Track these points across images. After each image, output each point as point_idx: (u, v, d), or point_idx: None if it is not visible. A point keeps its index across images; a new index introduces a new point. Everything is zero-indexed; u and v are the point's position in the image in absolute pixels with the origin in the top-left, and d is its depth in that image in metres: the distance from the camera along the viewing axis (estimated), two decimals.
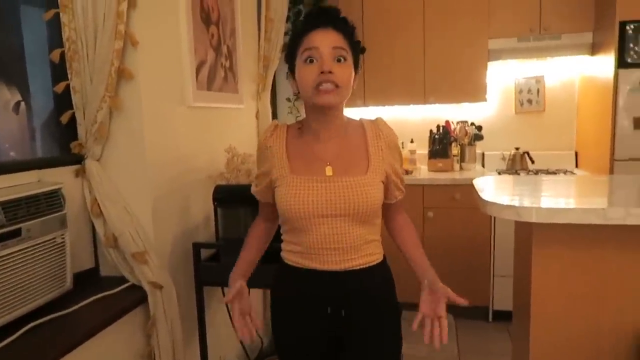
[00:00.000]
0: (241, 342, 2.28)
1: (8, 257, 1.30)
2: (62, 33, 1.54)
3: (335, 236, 1.31)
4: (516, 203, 1.39)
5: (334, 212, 1.29)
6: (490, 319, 3.35)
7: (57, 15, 1.56)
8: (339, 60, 1.25)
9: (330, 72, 1.22)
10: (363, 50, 1.37)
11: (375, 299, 1.39)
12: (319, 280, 1.34)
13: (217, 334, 2.15)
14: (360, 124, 1.41)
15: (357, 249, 1.34)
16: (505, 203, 1.39)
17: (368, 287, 1.37)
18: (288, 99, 3.42)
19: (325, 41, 1.24)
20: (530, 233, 1.57)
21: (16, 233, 1.32)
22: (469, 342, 3.10)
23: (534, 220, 1.37)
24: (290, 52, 1.33)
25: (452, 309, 3.31)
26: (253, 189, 1.47)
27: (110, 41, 1.56)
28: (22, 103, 1.65)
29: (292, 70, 1.35)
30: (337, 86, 1.24)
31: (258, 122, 2.79)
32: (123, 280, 1.74)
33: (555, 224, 1.44)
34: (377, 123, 1.41)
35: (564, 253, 1.55)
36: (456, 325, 3.30)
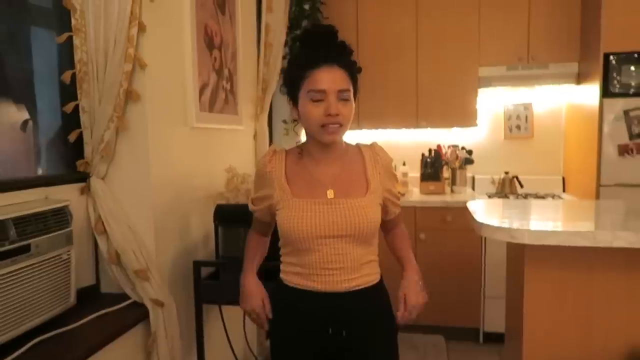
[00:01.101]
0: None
1: (17, 272, 1.33)
2: (74, 55, 1.60)
3: (337, 256, 1.36)
4: (509, 225, 1.46)
5: (336, 233, 1.35)
6: (481, 341, 3.39)
7: (69, 38, 1.62)
8: (343, 99, 1.33)
9: (337, 115, 1.30)
10: (359, 70, 1.42)
11: (374, 319, 1.43)
12: (319, 301, 1.39)
13: (213, 352, 2.16)
14: (358, 149, 1.49)
15: (357, 269, 1.39)
16: (498, 225, 1.46)
17: (367, 308, 1.42)
18: (284, 121, 3.49)
19: (332, 84, 1.31)
20: (522, 254, 1.63)
21: (25, 249, 1.35)
22: None
23: (526, 241, 1.44)
24: (293, 83, 1.37)
25: (443, 330, 3.38)
26: (252, 207, 1.52)
27: (120, 64, 1.62)
28: (30, 122, 1.70)
29: (292, 98, 1.41)
30: (341, 125, 1.33)
31: (256, 143, 2.85)
32: (123, 297, 1.76)
33: (546, 246, 1.50)
34: (374, 148, 1.49)
35: (554, 274, 1.61)
36: (447, 346, 3.34)
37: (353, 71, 1.39)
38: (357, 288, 1.39)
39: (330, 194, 1.38)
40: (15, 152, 1.67)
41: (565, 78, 3.43)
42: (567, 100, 3.67)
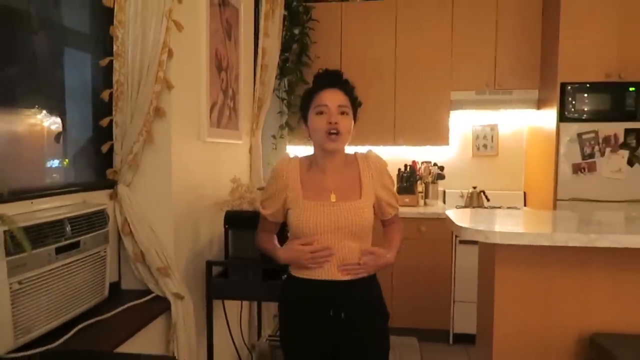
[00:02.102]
0: (237, 352, 2.50)
1: (70, 264, 1.53)
2: (113, 76, 1.82)
3: (337, 249, 1.66)
4: (484, 227, 1.76)
5: (337, 230, 1.65)
6: (451, 342, 3.69)
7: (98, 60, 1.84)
8: (342, 113, 1.67)
9: (336, 123, 1.63)
10: (360, 104, 1.78)
11: (368, 305, 1.72)
12: (322, 288, 1.66)
13: (216, 341, 2.36)
14: (355, 157, 1.79)
15: (353, 261, 1.66)
16: (476, 228, 1.75)
17: (362, 295, 1.70)
18: (273, 136, 3.75)
19: (333, 100, 1.66)
20: (493, 255, 1.93)
21: (76, 245, 1.56)
22: None
23: (498, 241, 1.74)
24: (305, 105, 1.73)
25: (416, 332, 3.67)
26: (264, 212, 1.78)
27: (151, 85, 1.85)
28: (65, 133, 1.89)
29: (304, 118, 1.75)
30: (339, 133, 1.64)
31: (251, 156, 3.09)
32: (142, 293, 1.95)
33: (514, 246, 1.81)
34: (368, 155, 1.80)
35: (520, 271, 1.92)
36: (420, 347, 3.62)
37: (353, 98, 1.73)
38: (354, 277, 1.67)
39: (333, 197, 1.69)
40: (55, 160, 1.87)
41: (526, 103, 3.84)
42: (528, 123, 4.08)
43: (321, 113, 1.66)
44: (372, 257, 1.67)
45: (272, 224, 1.82)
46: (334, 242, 1.65)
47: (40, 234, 1.40)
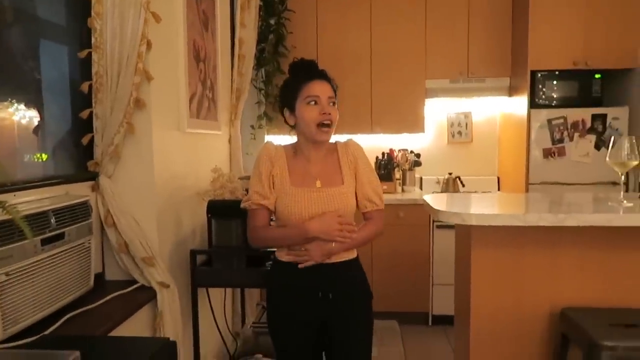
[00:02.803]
0: (223, 340, 2.55)
1: (55, 256, 1.54)
2: (92, 68, 1.82)
3: None
4: (460, 210, 1.83)
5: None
6: (430, 323, 3.80)
7: (78, 51, 1.84)
8: (332, 104, 1.71)
9: (329, 114, 1.68)
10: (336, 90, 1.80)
11: (354, 286, 1.79)
12: (309, 271, 1.71)
13: (201, 328, 2.40)
14: (335, 146, 1.83)
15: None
16: (452, 211, 1.83)
17: (348, 277, 1.77)
18: (252, 126, 3.77)
19: (323, 92, 1.71)
20: (469, 236, 2.01)
21: (61, 236, 1.57)
22: (413, 343, 3.52)
23: (473, 223, 1.81)
24: (291, 95, 1.75)
25: (397, 315, 3.76)
26: (265, 202, 1.73)
27: (131, 76, 1.85)
28: (43, 125, 1.89)
29: (289, 107, 1.76)
30: (331, 124, 1.70)
31: (230, 146, 3.11)
32: (127, 283, 1.97)
33: (488, 227, 1.89)
34: (346, 143, 1.84)
35: (495, 251, 2.00)
36: (401, 329, 3.72)
37: (335, 89, 1.78)
38: (339, 260, 1.74)
39: (318, 184, 1.74)
40: (33, 153, 1.86)
41: (499, 91, 3.94)
42: (501, 110, 4.19)
43: (313, 103, 1.69)
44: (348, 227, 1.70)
45: (267, 214, 1.77)
46: None
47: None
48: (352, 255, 1.80)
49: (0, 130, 1.72)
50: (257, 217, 1.76)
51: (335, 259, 1.73)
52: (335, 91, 1.76)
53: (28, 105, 1.81)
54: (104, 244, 2.01)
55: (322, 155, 1.78)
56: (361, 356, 1.79)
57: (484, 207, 2.16)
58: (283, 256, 1.77)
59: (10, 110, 1.76)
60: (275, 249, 1.82)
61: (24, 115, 1.81)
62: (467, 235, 2.05)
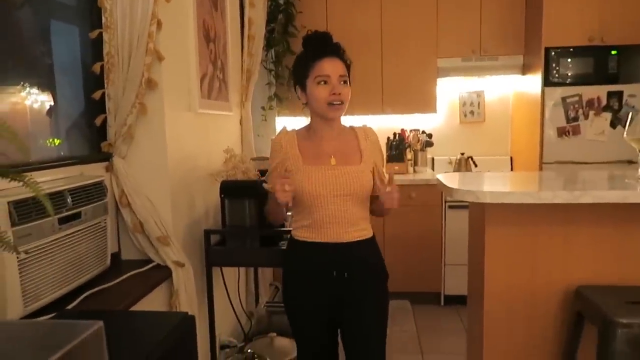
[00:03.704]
0: (238, 320, 2.58)
1: (72, 235, 1.56)
2: (103, 49, 1.82)
3: (339, 212, 1.70)
4: (474, 188, 1.82)
5: (338, 193, 1.69)
6: (442, 303, 3.81)
7: (88, 32, 1.84)
8: (343, 83, 1.69)
9: (339, 94, 1.66)
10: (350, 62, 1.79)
11: (369, 265, 1.78)
12: (325, 250, 1.72)
13: (216, 306, 2.43)
14: (352, 128, 1.83)
15: (354, 224, 1.73)
16: (466, 189, 1.81)
17: (363, 256, 1.76)
18: (262, 108, 3.76)
19: (334, 70, 1.68)
20: (483, 214, 2.00)
21: (77, 215, 1.59)
22: (425, 323, 3.54)
23: (487, 200, 1.80)
24: (302, 72, 1.73)
25: (409, 295, 3.78)
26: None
27: (142, 56, 1.85)
28: (56, 107, 1.90)
29: (300, 85, 1.75)
30: (342, 103, 1.68)
31: (242, 127, 3.11)
32: (143, 262, 1.99)
33: (502, 205, 1.88)
34: (364, 128, 1.85)
35: (509, 230, 1.99)
36: (413, 309, 3.74)
37: (348, 64, 1.75)
38: (354, 239, 1.73)
39: (333, 161, 1.73)
40: (46, 136, 1.87)
41: (512, 69, 3.88)
42: (514, 88, 4.13)
43: (323, 83, 1.67)
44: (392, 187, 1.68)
45: None
46: (336, 206, 1.69)
47: (41, 205, 1.42)
48: (368, 232, 1.79)
49: (14, 113, 1.73)
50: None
51: (352, 236, 1.72)
52: (348, 67, 1.74)
53: (41, 87, 1.82)
54: (119, 224, 2.03)
55: (336, 134, 1.77)
56: (376, 337, 1.78)
57: (497, 185, 2.15)
58: (298, 235, 1.77)
59: (23, 94, 1.77)
60: (291, 228, 1.82)
61: (36, 98, 1.82)
62: (480, 213, 2.04)
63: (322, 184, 1.68)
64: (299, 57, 1.77)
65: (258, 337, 2.68)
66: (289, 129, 1.84)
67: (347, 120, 1.86)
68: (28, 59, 1.76)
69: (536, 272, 2.01)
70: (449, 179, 2.16)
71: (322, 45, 1.72)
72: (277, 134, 1.83)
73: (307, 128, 1.81)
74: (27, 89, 1.77)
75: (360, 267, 1.74)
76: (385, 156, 4.02)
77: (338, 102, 1.67)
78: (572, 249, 1.98)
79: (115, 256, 2.03)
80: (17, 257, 1.32)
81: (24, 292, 1.35)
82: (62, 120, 1.94)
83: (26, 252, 1.36)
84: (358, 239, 1.73)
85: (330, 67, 1.67)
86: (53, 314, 1.41)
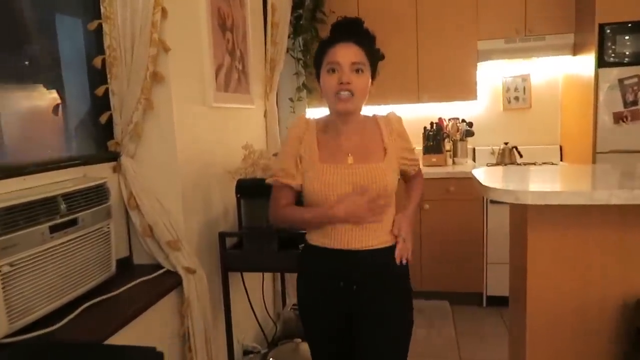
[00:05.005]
0: (260, 325, 2.45)
1: (68, 243, 1.45)
2: (104, 41, 1.70)
3: None
4: (515, 187, 1.59)
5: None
6: (484, 305, 3.56)
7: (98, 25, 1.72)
8: (357, 71, 1.48)
9: (348, 83, 1.45)
10: (382, 57, 1.58)
11: (387, 278, 1.57)
12: (336, 258, 1.53)
13: (236, 315, 2.31)
14: (375, 119, 1.64)
15: (371, 230, 1.53)
16: (504, 188, 1.59)
17: (378, 267, 1.55)
18: (290, 99, 3.60)
19: (346, 57, 1.47)
20: (525, 216, 1.76)
21: (73, 222, 1.48)
22: (465, 325, 3.31)
23: (529, 202, 1.57)
24: (317, 61, 1.55)
25: (448, 295, 3.54)
26: (287, 180, 1.56)
27: (145, 48, 1.72)
28: (62, 105, 1.80)
29: (317, 75, 1.57)
30: (352, 94, 1.47)
31: (266, 121, 2.96)
32: (155, 267, 1.89)
33: (547, 206, 1.64)
34: (389, 117, 1.64)
35: (555, 233, 1.74)
36: (452, 310, 3.51)
37: (371, 51, 1.53)
38: (371, 247, 1.53)
39: (350, 159, 1.53)
40: (51, 134, 1.78)
41: (561, 49, 3.54)
42: (564, 70, 3.78)
43: (332, 71, 1.48)
44: (405, 237, 1.58)
45: (292, 195, 1.60)
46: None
47: (31, 212, 1.32)
48: (388, 240, 1.57)
49: (19, 112, 1.64)
50: (280, 196, 1.60)
51: (370, 244, 1.53)
52: (370, 54, 1.52)
53: (45, 83, 1.73)
54: (129, 227, 1.93)
55: (353, 128, 1.57)
56: None
57: (543, 182, 1.90)
58: (312, 239, 1.60)
59: (29, 91, 1.68)
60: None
61: (41, 95, 1.73)
62: (523, 214, 1.80)
63: (335, 185, 1.49)
64: (318, 45, 1.58)
65: (284, 341, 2.54)
66: (308, 116, 1.67)
67: (373, 110, 1.67)
68: (31, 54, 1.66)
69: (588, 281, 1.76)
70: (488, 175, 1.93)
71: (346, 30, 1.52)
72: (295, 121, 1.64)
73: (326, 120, 1.62)
74: (33, 85, 1.68)
75: (373, 279, 1.54)
76: (421, 147, 3.78)
77: (346, 93, 1.47)
78: (631, 256, 1.71)
79: (126, 261, 1.93)
80: (0, 271, 1.22)
81: (9, 307, 1.25)
82: (67, 118, 1.84)
83: (11, 265, 1.25)
84: (373, 247, 1.53)
85: (342, 52, 1.47)
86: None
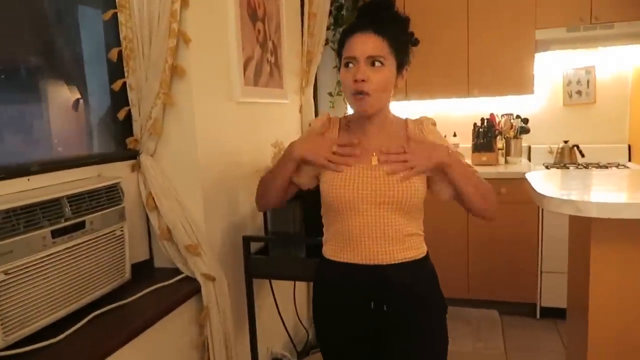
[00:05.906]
0: (288, 334, 2.31)
1: (73, 248, 1.36)
2: (120, 32, 1.60)
3: (377, 225, 1.32)
4: (576, 197, 1.36)
5: (376, 200, 1.32)
6: (538, 316, 3.27)
7: (113, 15, 1.62)
8: (373, 64, 1.28)
9: (363, 81, 1.27)
10: (415, 42, 1.39)
11: (417, 295, 1.38)
12: (360, 274, 1.35)
13: (264, 325, 2.18)
14: (405, 122, 1.45)
15: (399, 241, 1.34)
16: (564, 198, 1.36)
17: (410, 283, 1.37)
18: (330, 94, 3.43)
19: (362, 49, 1.28)
20: (588, 229, 1.52)
21: (80, 225, 1.38)
22: (516, 338, 3.05)
23: (594, 215, 1.33)
24: (339, 53, 1.39)
25: (498, 305, 3.28)
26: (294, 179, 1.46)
27: (164, 39, 1.60)
28: (81, 101, 1.72)
29: (339, 69, 1.40)
30: (368, 94, 1.28)
31: (302, 116, 2.81)
32: (177, 271, 1.78)
33: (614, 219, 1.39)
34: (420, 121, 1.45)
35: (623, 248, 1.50)
36: (502, 321, 3.25)
37: (396, 40, 1.32)
38: (399, 261, 1.34)
39: (374, 160, 1.36)
40: (68, 131, 1.70)
41: (632, 38, 3.17)
42: (634, 62, 3.40)
43: (349, 65, 1.31)
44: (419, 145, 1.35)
45: (291, 187, 1.50)
46: (372, 217, 1.32)
47: (32, 216, 1.23)
48: (419, 252, 1.39)
49: (38, 108, 1.58)
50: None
51: (395, 257, 1.34)
52: (395, 41, 1.31)
53: (64, 78, 1.65)
54: (150, 229, 1.83)
55: (378, 129, 1.39)
56: None
57: (608, 190, 1.64)
58: (328, 252, 1.43)
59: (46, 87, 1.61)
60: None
61: (60, 92, 1.66)
62: (585, 225, 1.56)
63: (354, 187, 1.31)
64: (340, 34, 1.41)
65: (315, 350, 2.40)
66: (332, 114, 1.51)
67: (409, 107, 1.47)
68: (47, 46, 1.59)
69: None
70: (544, 179, 1.69)
71: (363, 17, 1.33)
72: (317, 118, 1.49)
73: (351, 118, 1.45)
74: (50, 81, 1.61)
75: (405, 298, 1.36)
76: (470, 146, 3.52)
77: (359, 94, 1.28)
78: None
79: (147, 264, 1.84)
80: None
81: (4, 319, 1.16)
82: (86, 114, 1.76)
83: (6, 273, 1.16)
84: (401, 261, 1.34)
85: (357, 44, 1.28)
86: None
